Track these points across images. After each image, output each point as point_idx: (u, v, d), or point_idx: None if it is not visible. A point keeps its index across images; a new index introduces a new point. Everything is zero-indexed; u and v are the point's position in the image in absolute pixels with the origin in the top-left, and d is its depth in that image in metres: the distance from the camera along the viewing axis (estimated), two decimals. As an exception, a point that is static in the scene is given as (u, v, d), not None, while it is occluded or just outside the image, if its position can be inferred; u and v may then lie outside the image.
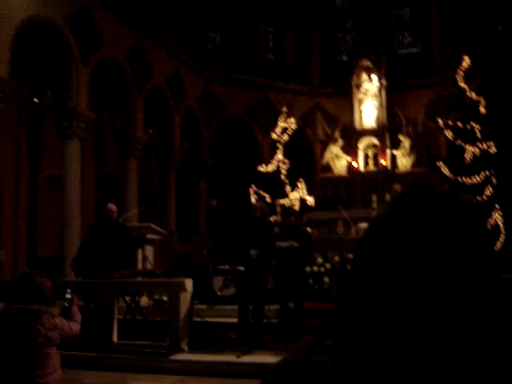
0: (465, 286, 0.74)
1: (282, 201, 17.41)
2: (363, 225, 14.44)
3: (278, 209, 15.80)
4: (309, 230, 11.51)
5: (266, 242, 8.94)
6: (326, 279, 11.21)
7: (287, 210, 10.15)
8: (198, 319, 9.69)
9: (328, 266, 11.45)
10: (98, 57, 15.71)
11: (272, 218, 17.48)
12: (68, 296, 4.20)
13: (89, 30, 15.22)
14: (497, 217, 16.48)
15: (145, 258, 11.56)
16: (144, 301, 10.64)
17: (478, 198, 16.82)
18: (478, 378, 0.72)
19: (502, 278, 0.79)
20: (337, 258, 11.63)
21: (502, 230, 16.24)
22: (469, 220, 0.78)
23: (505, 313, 0.77)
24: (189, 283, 8.69)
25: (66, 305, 4.16)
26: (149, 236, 11.82)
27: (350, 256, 11.43)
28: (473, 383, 0.72)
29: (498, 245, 15.52)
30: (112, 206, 10.09)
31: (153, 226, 12.06)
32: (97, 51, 15.58)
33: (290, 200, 18.61)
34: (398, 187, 10.38)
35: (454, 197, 0.82)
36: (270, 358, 7.96)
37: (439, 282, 0.74)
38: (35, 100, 14.67)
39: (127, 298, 9.81)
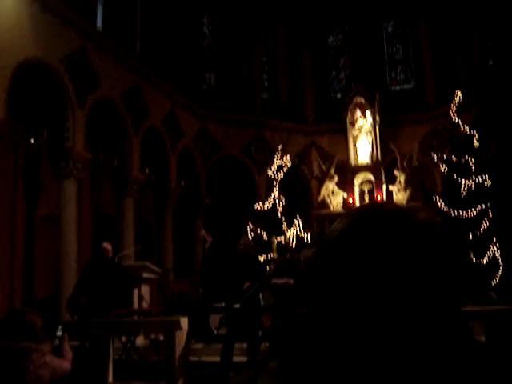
0: (416, 306, 0.76)
1: (278, 238, 17.41)
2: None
3: (274, 246, 15.79)
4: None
5: (255, 276, 8.95)
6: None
7: (283, 247, 10.13)
8: (195, 358, 9.61)
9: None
10: (94, 97, 15.84)
11: (268, 256, 17.50)
12: (59, 333, 4.18)
13: (85, 71, 15.39)
14: (494, 250, 16.49)
15: (141, 298, 11.50)
16: (140, 341, 10.56)
17: (475, 232, 16.86)
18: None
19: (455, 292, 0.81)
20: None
21: (500, 263, 16.23)
22: (421, 240, 0.80)
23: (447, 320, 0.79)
24: (184, 322, 8.62)
25: (57, 342, 4.13)
26: (145, 275, 11.78)
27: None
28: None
29: (497, 277, 15.50)
30: (107, 245, 10.08)
31: (149, 264, 12.03)
32: (93, 92, 15.73)
33: (287, 237, 18.61)
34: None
35: (406, 215, 0.84)
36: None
37: (388, 300, 0.76)
38: (31, 140, 14.76)
39: (123, 338, 9.74)
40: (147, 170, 19.17)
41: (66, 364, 3.99)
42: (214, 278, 9.09)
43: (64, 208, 14.54)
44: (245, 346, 9.02)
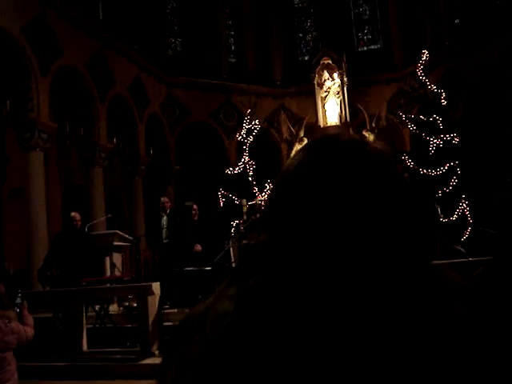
0: (369, 234, 0.76)
1: (249, 202, 17.42)
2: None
3: (245, 209, 15.81)
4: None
5: (211, 238, 9.04)
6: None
7: (252, 209, 10.16)
8: (169, 323, 9.65)
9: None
10: (58, 66, 15.55)
11: (240, 220, 17.54)
12: (18, 301, 4.17)
13: (47, 40, 15.07)
14: (463, 206, 16.70)
15: (113, 266, 11.49)
16: (113, 308, 10.57)
17: (444, 189, 17.05)
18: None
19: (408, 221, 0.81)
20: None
21: (469, 220, 16.46)
22: (375, 170, 0.80)
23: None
24: (156, 286, 8.66)
25: (17, 309, 4.13)
26: (116, 243, 11.75)
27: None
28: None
29: (466, 233, 15.74)
30: (75, 215, 10.03)
31: (119, 232, 12.00)
32: (56, 60, 15.42)
33: (258, 201, 18.63)
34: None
35: (360, 144, 0.84)
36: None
37: (347, 225, 0.76)
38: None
39: (96, 307, 9.75)
40: (115, 139, 18.99)
41: (30, 330, 3.98)
42: (182, 242, 9.10)
43: (31, 180, 14.35)
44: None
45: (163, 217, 11.36)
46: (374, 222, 0.77)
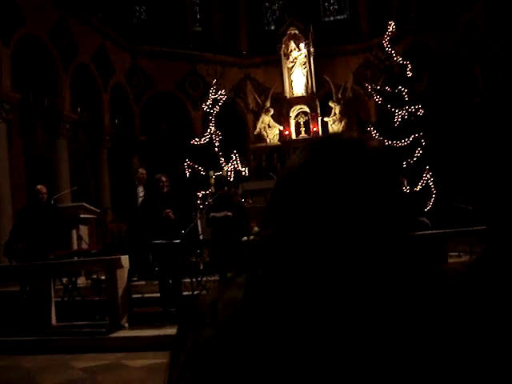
0: (371, 226, 0.80)
1: (216, 173, 17.41)
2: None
3: (212, 181, 15.80)
4: (248, 201, 11.60)
5: (181, 210, 9.06)
6: (264, 248, 11.33)
7: (221, 181, 10.14)
8: (138, 295, 9.67)
9: (265, 234, 11.57)
10: (20, 35, 15.20)
11: (206, 191, 17.54)
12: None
13: (7, 8, 14.68)
14: (427, 178, 16.94)
15: (79, 238, 11.41)
16: (81, 281, 10.54)
17: (409, 160, 17.24)
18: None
19: (403, 216, 0.85)
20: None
21: (433, 190, 16.70)
22: (372, 165, 0.84)
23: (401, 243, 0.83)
24: (125, 259, 8.64)
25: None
26: (82, 215, 11.65)
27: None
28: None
29: (429, 204, 15.96)
30: (41, 187, 9.89)
31: (86, 205, 11.89)
32: (17, 29, 15.06)
33: (225, 172, 18.63)
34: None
35: (359, 142, 0.87)
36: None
37: (345, 221, 0.80)
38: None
39: (64, 280, 9.70)
40: (79, 109, 18.70)
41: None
42: (153, 214, 9.06)
43: (-6, 151, 14.12)
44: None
45: (139, 187, 11.31)
46: (371, 215, 0.81)
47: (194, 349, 0.81)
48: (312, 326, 0.77)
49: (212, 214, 9.10)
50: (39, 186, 9.90)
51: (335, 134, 0.92)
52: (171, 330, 8.10)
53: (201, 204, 16.75)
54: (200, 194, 18.11)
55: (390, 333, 0.77)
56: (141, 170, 11.88)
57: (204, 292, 9.27)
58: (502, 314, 0.87)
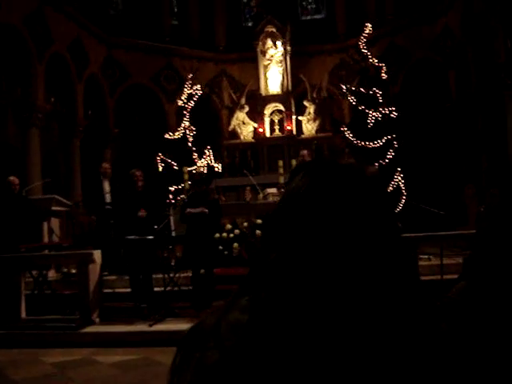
0: (371, 250, 0.83)
1: (189, 168, 17.35)
2: (270, 190, 14.67)
3: (186, 176, 15.74)
4: (221, 197, 11.60)
5: (155, 206, 9.08)
6: (236, 245, 11.37)
7: (197, 178, 10.12)
8: (109, 290, 9.63)
9: (237, 231, 11.61)
10: (-6, 22, 14.98)
11: (179, 186, 17.48)
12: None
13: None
14: (398, 179, 17.11)
15: (51, 231, 11.29)
16: (52, 274, 10.45)
17: (381, 162, 17.39)
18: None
19: (400, 239, 0.88)
20: (245, 224, 11.81)
21: (403, 192, 16.88)
22: (372, 192, 0.87)
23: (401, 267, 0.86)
24: (98, 255, 8.60)
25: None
26: (54, 208, 11.53)
27: (259, 221, 11.63)
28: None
29: (400, 206, 16.13)
30: (14, 179, 9.80)
31: (58, 197, 11.78)
32: (-8, 16, 14.85)
33: (198, 167, 18.59)
34: (305, 153, 10.57)
35: (359, 170, 0.90)
36: (183, 325, 8.05)
37: (346, 246, 0.82)
38: None
39: (34, 273, 9.61)
40: (52, 100, 18.49)
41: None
42: (127, 210, 9.03)
43: (-35, 139, 13.88)
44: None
45: (104, 182, 11.24)
46: (372, 239, 0.84)
47: (201, 370, 0.82)
48: (317, 352, 0.79)
49: (188, 210, 9.07)
50: (12, 178, 9.80)
51: (336, 160, 0.94)
52: (142, 326, 8.11)
53: (173, 199, 16.71)
54: (172, 189, 18.06)
55: (392, 364, 0.80)
56: (104, 165, 11.83)
57: (176, 288, 9.28)
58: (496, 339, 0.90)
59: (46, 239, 11.12)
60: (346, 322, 0.80)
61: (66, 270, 10.73)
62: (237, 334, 0.82)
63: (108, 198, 11.07)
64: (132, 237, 8.89)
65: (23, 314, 8.63)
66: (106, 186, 11.17)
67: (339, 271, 0.81)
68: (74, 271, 10.26)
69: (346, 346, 0.79)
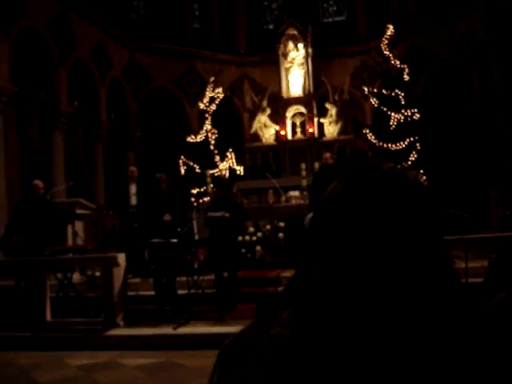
0: (415, 259, 0.81)
1: (211, 171, 17.42)
2: (293, 193, 14.65)
3: (208, 179, 15.80)
4: (243, 200, 11.61)
5: (179, 210, 9.11)
6: (258, 248, 11.36)
7: (221, 182, 10.16)
8: (133, 293, 9.66)
9: (259, 234, 11.60)
10: (19, 27, 15.13)
11: (201, 189, 17.56)
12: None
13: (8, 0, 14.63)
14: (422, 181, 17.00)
15: (75, 234, 11.38)
16: (76, 277, 10.51)
17: (403, 164, 17.31)
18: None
19: (446, 248, 0.86)
20: (268, 227, 11.79)
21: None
22: (416, 197, 0.85)
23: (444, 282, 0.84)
24: (122, 258, 8.64)
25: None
26: (78, 211, 11.62)
27: (281, 224, 11.61)
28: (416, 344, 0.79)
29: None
30: (39, 183, 9.87)
31: (82, 200, 11.86)
32: (17, 21, 14.99)
33: (220, 170, 18.65)
34: (328, 155, 10.51)
35: (402, 175, 0.88)
36: (207, 329, 8.07)
37: (389, 254, 0.80)
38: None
39: (59, 275, 9.67)
40: (76, 103, 18.65)
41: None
42: (151, 214, 9.07)
43: (-10, 144, 14.05)
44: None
45: (131, 185, 11.32)
46: (416, 247, 0.82)
47: None
48: (364, 368, 0.77)
49: (210, 214, 9.10)
50: (36, 181, 9.88)
51: (374, 164, 0.91)
52: (166, 329, 8.13)
53: (195, 202, 16.77)
54: (194, 192, 18.14)
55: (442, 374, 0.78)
56: (132, 168, 11.89)
57: (200, 291, 9.29)
58: None
59: (70, 242, 11.21)
60: (394, 337, 0.78)
61: (90, 272, 10.78)
62: (279, 350, 0.80)
63: (134, 200, 11.14)
64: (156, 240, 8.92)
65: (48, 317, 8.69)
66: (133, 189, 11.23)
67: (387, 285, 0.79)
68: (98, 274, 10.31)
69: (395, 364, 0.78)
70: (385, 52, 19.08)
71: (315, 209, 0.91)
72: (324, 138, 20.55)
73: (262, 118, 20.96)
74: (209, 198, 14.26)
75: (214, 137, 19.92)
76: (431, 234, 0.84)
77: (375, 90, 19.46)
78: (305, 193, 13.65)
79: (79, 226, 11.80)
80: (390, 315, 0.79)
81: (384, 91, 18.96)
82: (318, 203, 0.91)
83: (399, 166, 0.93)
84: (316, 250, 0.86)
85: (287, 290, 0.89)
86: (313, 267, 0.85)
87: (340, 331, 0.79)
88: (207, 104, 20.09)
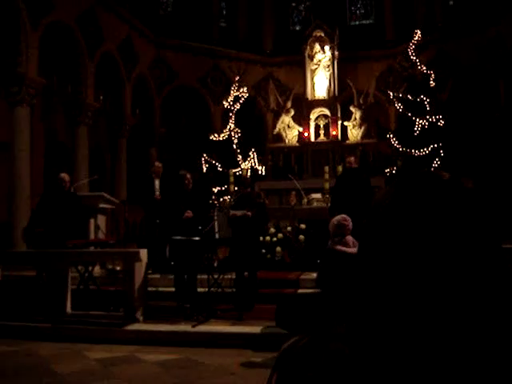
0: (475, 273, 0.80)
1: (234, 170, 17.43)
2: (315, 195, 14.61)
3: (231, 179, 15.81)
4: (267, 201, 11.60)
5: (202, 208, 9.15)
6: (279, 249, 11.36)
7: (244, 181, 10.15)
8: (152, 289, 9.70)
9: (280, 235, 11.60)
10: (48, 20, 15.25)
11: (223, 187, 17.58)
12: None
13: (37, -7, 14.76)
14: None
15: (97, 228, 11.46)
16: (96, 270, 10.58)
17: (427, 170, 17.19)
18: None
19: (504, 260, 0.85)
20: (289, 228, 11.78)
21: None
22: (476, 208, 0.84)
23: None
24: (144, 253, 8.68)
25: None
26: (101, 205, 11.70)
27: (302, 226, 11.60)
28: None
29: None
30: (65, 176, 9.96)
31: (105, 195, 11.94)
32: (47, 15, 15.13)
33: (242, 170, 18.66)
34: (352, 159, 10.48)
35: (459, 185, 0.87)
36: (226, 328, 8.07)
37: (447, 267, 0.80)
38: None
39: (80, 268, 9.74)
40: (101, 98, 18.78)
41: None
42: (174, 211, 9.09)
43: (17, 135, 14.17)
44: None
45: (156, 181, 11.38)
46: (475, 254, 0.81)
47: None
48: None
49: (232, 212, 9.11)
50: (63, 175, 9.97)
51: (433, 174, 0.91)
52: (185, 327, 8.14)
53: (216, 200, 16.79)
54: (215, 190, 18.17)
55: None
56: (157, 164, 11.94)
57: (219, 290, 9.31)
58: None
59: (92, 236, 11.29)
60: (452, 347, 0.78)
61: (110, 266, 10.86)
62: (339, 366, 0.81)
63: (158, 196, 11.20)
64: (178, 237, 8.94)
65: (68, 309, 8.74)
66: (157, 185, 11.30)
67: (448, 297, 0.79)
68: (118, 268, 10.38)
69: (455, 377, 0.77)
70: (411, 57, 19.00)
71: (367, 214, 0.90)
72: (347, 142, 20.48)
73: (286, 119, 20.93)
74: (229, 197, 14.26)
75: (237, 136, 19.93)
76: (491, 241, 0.83)
77: (400, 95, 19.38)
78: (327, 196, 13.61)
79: (101, 220, 11.88)
80: (451, 328, 0.78)
81: (409, 96, 18.88)
82: (347, 207, 0.91)
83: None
84: (370, 259, 0.85)
85: (342, 304, 0.89)
86: (366, 282, 0.84)
87: (397, 348, 0.79)
88: (231, 103, 20.12)
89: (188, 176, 9.21)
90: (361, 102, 20.56)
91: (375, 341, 0.81)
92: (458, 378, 0.77)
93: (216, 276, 9.49)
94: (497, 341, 0.79)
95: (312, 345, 0.87)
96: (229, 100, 20.21)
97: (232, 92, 20.34)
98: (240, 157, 19.66)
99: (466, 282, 0.80)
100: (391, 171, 18.16)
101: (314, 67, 21.07)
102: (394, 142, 18.79)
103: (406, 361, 0.78)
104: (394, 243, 0.83)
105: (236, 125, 20.08)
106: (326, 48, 20.95)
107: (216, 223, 11.03)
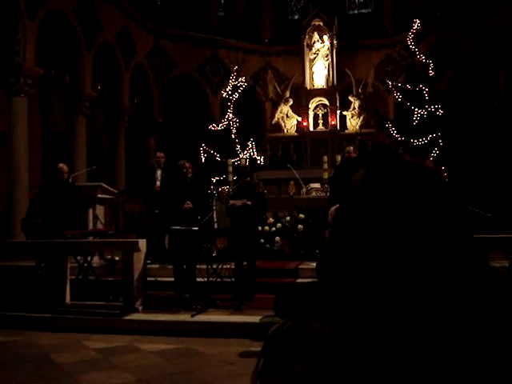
0: (440, 250, 0.80)
1: (233, 160, 17.41)
2: (314, 185, 14.64)
3: (230, 169, 15.80)
4: (265, 191, 11.62)
5: (201, 198, 9.15)
6: (277, 239, 11.39)
7: (243, 171, 10.16)
8: (151, 278, 9.72)
9: (279, 225, 11.63)
10: (46, 10, 15.18)
11: (221, 177, 17.59)
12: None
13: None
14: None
15: (95, 218, 11.46)
16: (96, 260, 10.60)
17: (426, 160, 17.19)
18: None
19: (471, 241, 0.85)
20: (287, 218, 11.81)
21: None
22: (436, 187, 0.85)
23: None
24: (143, 243, 8.69)
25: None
26: (100, 195, 11.71)
27: (301, 216, 11.62)
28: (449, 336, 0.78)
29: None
30: (63, 166, 9.96)
31: (104, 185, 11.96)
32: (44, 4, 15.05)
33: (241, 159, 18.65)
34: (351, 148, 10.47)
35: (421, 166, 0.87)
36: (224, 317, 8.10)
37: (414, 247, 0.80)
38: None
39: (79, 258, 9.76)
40: (99, 88, 18.73)
41: None
42: (173, 200, 9.09)
43: (14, 126, 14.13)
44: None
45: (157, 171, 11.40)
46: (438, 238, 0.81)
47: (284, 381, 0.83)
48: (400, 367, 0.78)
49: (231, 202, 9.11)
50: (61, 165, 9.97)
51: (394, 157, 0.91)
52: (184, 316, 8.17)
53: (214, 190, 16.80)
54: (214, 180, 18.17)
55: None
56: (159, 154, 11.94)
57: (218, 280, 9.32)
58: None
59: (90, 226, 11.30)
60: (427, 328, 0.78)
61: (109, 256, 10.88)
62: (319, 344, 0.82)
63: (159, 186, 11.22)
64: (177, 227, 8.94)
65: (67, 299, 8.77)
66: (159, 175, 11.32)
67: (416, 278, 0.79)
68: (117, 258, 10.40)
69: (432, 361, 0.77)
70: (410, 46, 18.95)
71: (341, 201, 0.92)
72: (346, 131, 20.43)
73: (285, 109, 20.88)
74: (228, 187, 14.27)
75: (235, 126, 19.90)
76: (453, 224, 0.83)
77: (399, 84, 19.35)
78: (326, 185, 13.63)
79: (100, 210, 11.89)
80: (422, 309, 0.79)
81: (408, 86, 18.84)
82: (341, 196, 0.92)
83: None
84: (342, 243, 0.87)
85: (324, 284, 0.90)
86: (341, 261, 0.86)
87: (375, 327, 0.79)
88: (230, 92, 20.06)
89: (187, 165, 9.19)
90: (359, 91, 20.51)
91: (350, 322, 0.81)
92: (429, 352, 0.78)
93: (215, 266, 9.52)
94: (466, 317, 0.79)
95: (295, 327, 0.89)
96: (227, 89, 20.15)
97: (230, 81, 20.28)
98: (238, 146, 19.62)
99: (433, 258, 0.81)
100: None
101: (312, 56, 20.99)
102: (393, 132, 18.77)
103: (382, 340, 0.79)
104: (362, 224, 0.84)
105: (234, 114, 20.03)
106: (325, 37, 20.86)
107: (215, 213, 11.06)
